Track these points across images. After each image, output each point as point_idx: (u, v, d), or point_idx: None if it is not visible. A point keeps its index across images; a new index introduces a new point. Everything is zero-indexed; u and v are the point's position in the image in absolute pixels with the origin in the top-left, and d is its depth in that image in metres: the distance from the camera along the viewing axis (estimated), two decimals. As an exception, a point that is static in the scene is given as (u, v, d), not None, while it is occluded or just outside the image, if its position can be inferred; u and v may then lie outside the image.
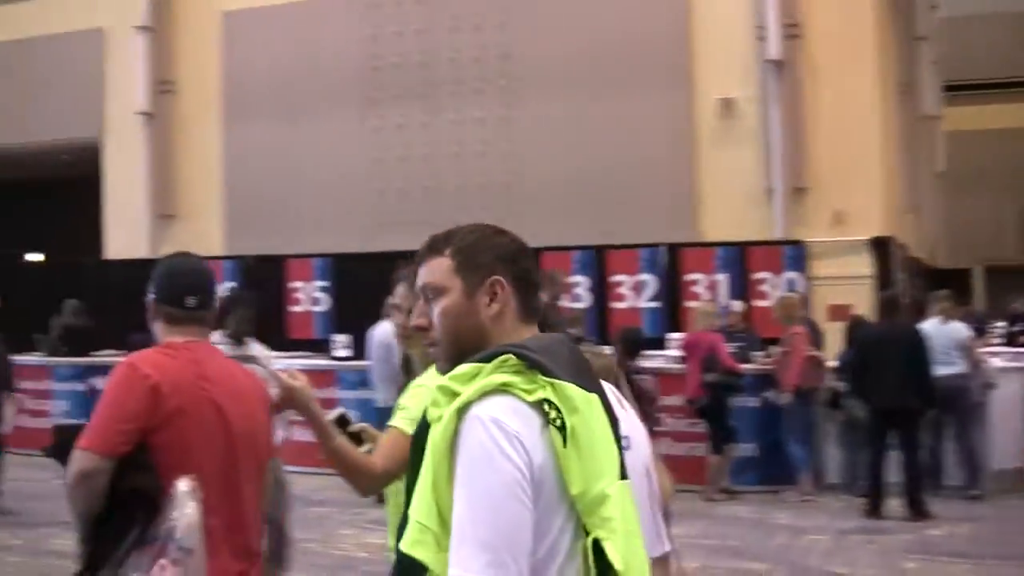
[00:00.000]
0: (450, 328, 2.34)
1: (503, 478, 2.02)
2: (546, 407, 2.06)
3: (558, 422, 2.06)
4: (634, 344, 8.67)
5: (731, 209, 14.93)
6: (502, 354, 2.13)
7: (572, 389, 2.09)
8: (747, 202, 14.90)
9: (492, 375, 2.11)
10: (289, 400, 3.60)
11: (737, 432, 11.91)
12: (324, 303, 16.35)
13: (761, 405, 12.17)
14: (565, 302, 12.04)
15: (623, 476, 2.11)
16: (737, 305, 13.52)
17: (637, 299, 14.56)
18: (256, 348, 7.22)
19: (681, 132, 15.42)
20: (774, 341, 12.37)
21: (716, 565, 9.20)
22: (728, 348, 11.94)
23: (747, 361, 12.35)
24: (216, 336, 7.01)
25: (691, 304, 13.81)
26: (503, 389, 2.09)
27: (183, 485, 3.26)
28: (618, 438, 2.15)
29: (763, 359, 12.45)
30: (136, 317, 13.72)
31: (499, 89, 16.44)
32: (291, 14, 17.88)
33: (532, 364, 2.11)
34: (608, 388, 2.33)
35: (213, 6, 18.50)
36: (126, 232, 18.81)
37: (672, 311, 14.39)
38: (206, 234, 18.02)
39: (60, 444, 3.65)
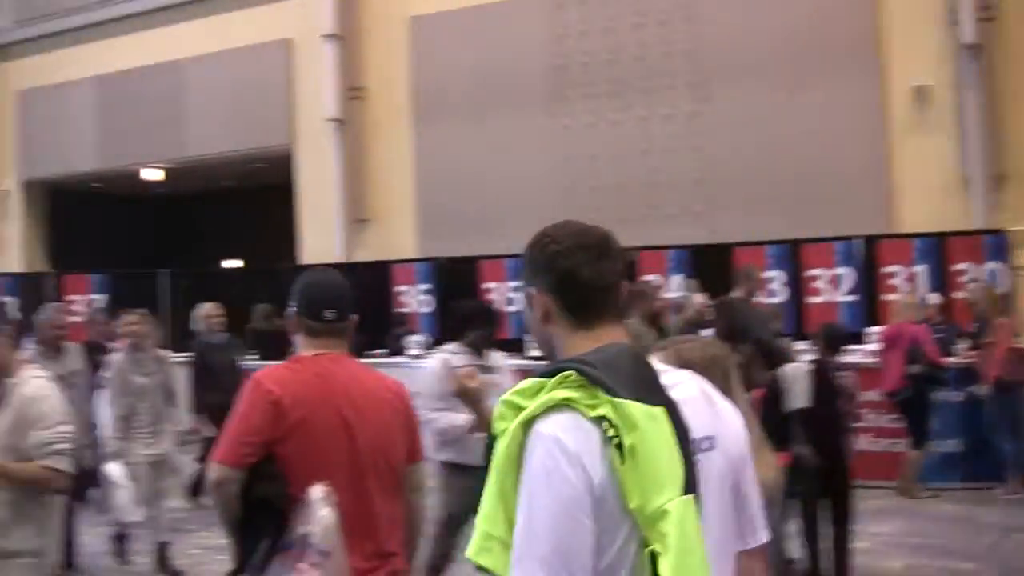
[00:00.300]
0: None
1: (561, 497, 2.12)
2: (605, 425, 2.14)
3: (616, 440, 2.13)
4: (836, 340, 8.71)
5: (928, 199, 14.94)
6: (565, 370, 2.23)
7: (632, 406, 2.15)
8: (944, 192, 14.89)
9: (555, 391, 2.20)
10: (463, 396, 4.06)
11: (935, 428, 11.87)
12: (518, 303, 16.81)
13: (965, 399, 12.15)
14: (761, 298, 12.21)
15: (690, 490, 2.14)
16: (934, 297, 13.51)
17: (834, 293, 14.59)
18: (496, 358, 7.52)
19: (874, 121, 15.48)
20: (975, 334, 12.36)
21: (922, 564, 9.21)
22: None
23: (948, 354, 12.36)
24: (454, 346, 7.38)
25: (889, 297, 13.85)
26: (566, 404, 2.18)
27: (316, 492, 3.56)
28: (686, 449, 2.19)
29: (966, 352, 12.44)
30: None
31: (687, 84, 16.71)
32: (477, 16, 18.48)
33: (593, 381, 2.19)
34: (703, 384, 2.46)
35: (400, 11, 19.22)
36: (320, 237, 19.70)
37: (870, 304, 14.39)
38: (399, 237, 18.90)
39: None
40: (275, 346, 15.96)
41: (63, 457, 4.85)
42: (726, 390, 2.56)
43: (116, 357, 9.70)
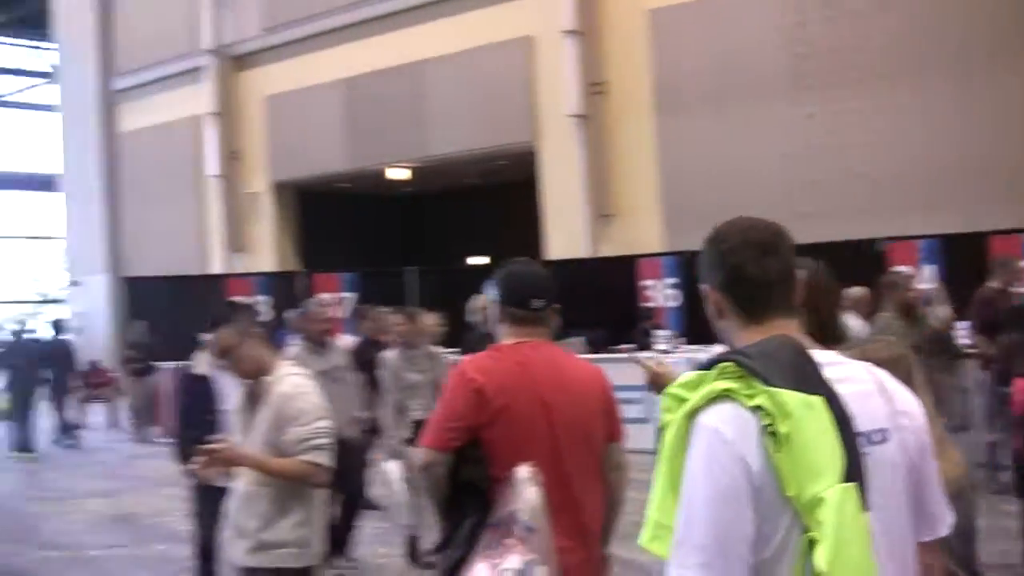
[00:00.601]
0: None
1: (719, 487, 2.24)
2: (761, 414, 2.26)
3: (770, 428, 2.23)
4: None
5: None
6: (724, 362, 2.36)
7: (787, 395, 2.24)
8: None
9: (715, 382, 2.33)
10: (654, 383, 4.25)
11: None
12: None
13: None
14: (1019, 288, 12.19)
15: (853, 479, 2.23)
16: None
17: (1094, 281, 14.42)
18: None
19: None
20: None
21: None
22: None
23: None
24: None
25: None
26: (725, 395, 2.31)
27: (523, 472, 3.76)
28: (849, 438, 2.27)
29: None
30: (574, 315, 14.83)
31: (936, 69, 16.67)
32: (717, 6, 18.90)
33: (750, 371, 2.31)
34: (882, 377, 2.53)
35: (639, 5, 19.73)
36: (565, 233, 20.39)
37: None
38: (644, 231, 19.40)
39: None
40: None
41: (322, 452, 5.09)
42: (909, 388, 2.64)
43: (389, 355, 10.10)
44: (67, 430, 20.30)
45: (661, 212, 19.32)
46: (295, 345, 9.91)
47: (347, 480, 9.35)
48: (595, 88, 20.13)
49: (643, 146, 19.60)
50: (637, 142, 19.69)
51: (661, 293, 18.04)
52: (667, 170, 19.25)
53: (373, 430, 10.55)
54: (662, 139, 19.36)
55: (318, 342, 9.80)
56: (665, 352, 15.19)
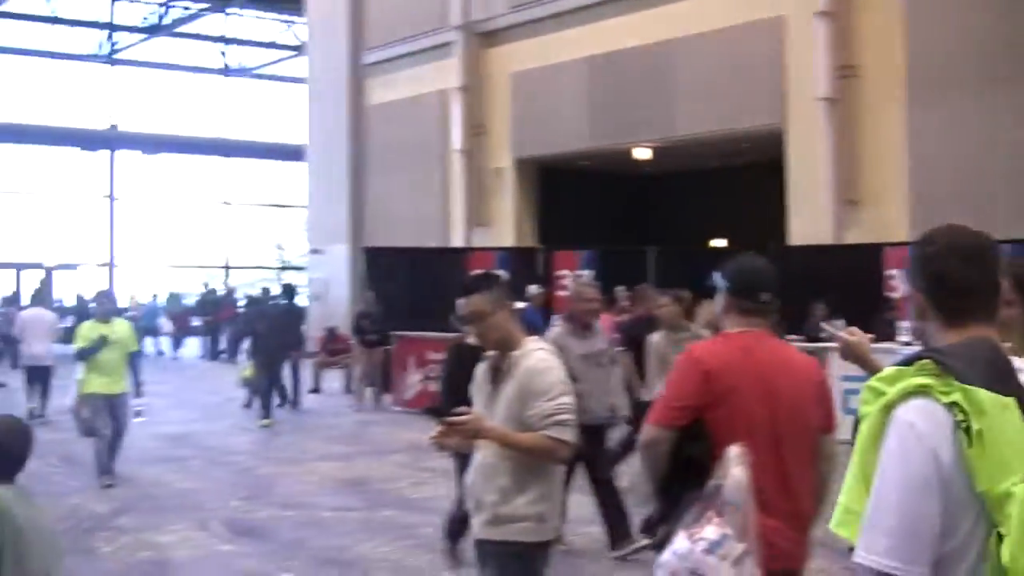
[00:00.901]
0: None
1: (910, 477, 2.38)
2: (955, 410, 2.37)
3: (964, 425, 2.35)
4: None
5: None
6: (922, 358, 2.49)
7: (982, 394, 2.36)
8: None
9: (912, 378, 2.46)
10: (847, 353, 4.28)
11: None
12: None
13: None
14: None
15: None
16: None
17: None
18: None
19: None
20: None
21: None
22: None
23: None
24: None
25: None
26: (921, 390, 2.44)
27: (733, 451, 3.96)
28: None
29: None
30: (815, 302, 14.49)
31: None
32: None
33: (946, 369, 2.43)
34: None
35: (898, -14, 19.52)
36: (809, 218, 20.33)
37: None
38: (891, 219, 19.14)
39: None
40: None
41: (566, 428, 5.08)
42: None
43: (655, 337, 10.20)
44: (288, 395, 21.08)
45: (909, 200, 19.02)
46: (556, 326, 10.04)
47: (596, 464, 9.66)
48: (845, 71, 20.01)
49: (893, 132, 19.39)
50: (887, 128, 19.49)
51: (907, 284, 17.52)
52: (917, 157, 18.96)
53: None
54: (913, 125, 19.08)
55: (583, 324, 9.72)
56: (908, 345, 15.06)
